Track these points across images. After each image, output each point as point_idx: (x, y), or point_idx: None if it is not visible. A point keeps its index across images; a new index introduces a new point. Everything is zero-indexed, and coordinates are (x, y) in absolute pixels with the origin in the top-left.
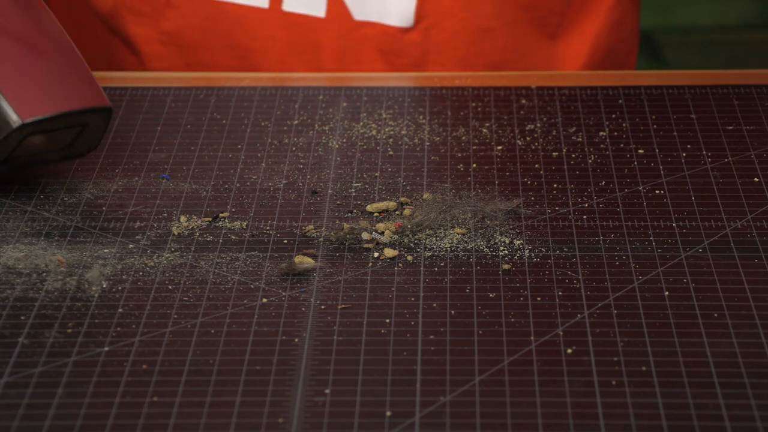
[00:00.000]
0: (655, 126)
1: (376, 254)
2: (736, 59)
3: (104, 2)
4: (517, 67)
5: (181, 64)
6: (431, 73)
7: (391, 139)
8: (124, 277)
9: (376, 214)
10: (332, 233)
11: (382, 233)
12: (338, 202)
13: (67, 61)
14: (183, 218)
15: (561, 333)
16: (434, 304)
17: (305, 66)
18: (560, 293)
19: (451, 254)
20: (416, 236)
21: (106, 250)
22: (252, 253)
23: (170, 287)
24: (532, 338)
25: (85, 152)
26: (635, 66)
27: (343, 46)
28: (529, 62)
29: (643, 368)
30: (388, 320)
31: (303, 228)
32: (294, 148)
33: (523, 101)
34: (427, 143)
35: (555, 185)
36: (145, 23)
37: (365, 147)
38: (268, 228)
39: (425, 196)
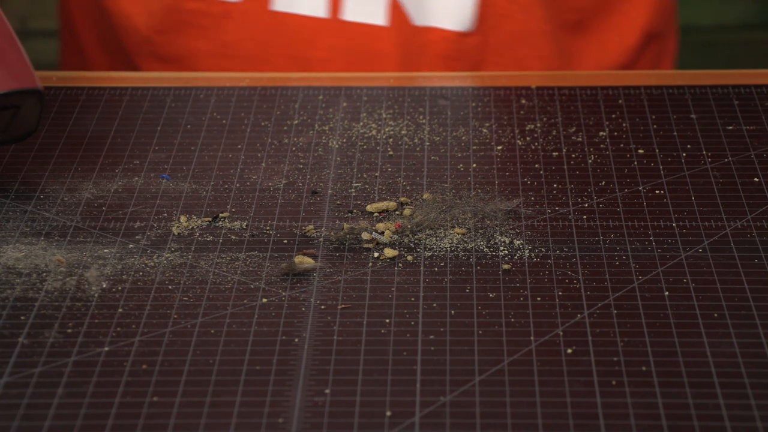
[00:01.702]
0: (655, 126)
1: (376, 254)
2: (736, 59)
3: (140, 22)
4: (571, 67)
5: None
6: (431, 73)
7: (391, 139)
8: (124, 277)
9: (376, 214)
10: (332, 233)
11: (382, 233)
12: (338, 202)
13: None
14: (183, 218)
15: (561, 333)
16: (434, 304)
17: None
18: (560, 293)
19: (451, 254)
20: (416, 236)
21: (106, 250)
22: (252, 253)
23: (170, 287)
24: (532, 338)
25: (22, 136)
26: (676, 47)
27: (404, 53)
28: (580, 63)
29: (643, 368)
30: (388, 320)
31: (303, 228)
32: (294, 148)
33: (523, 101)
34: (427, 143)
35: (555, 185)
36: (205, 36)
37: (365, 147)
38: (268, 228)
39: (425, 196)
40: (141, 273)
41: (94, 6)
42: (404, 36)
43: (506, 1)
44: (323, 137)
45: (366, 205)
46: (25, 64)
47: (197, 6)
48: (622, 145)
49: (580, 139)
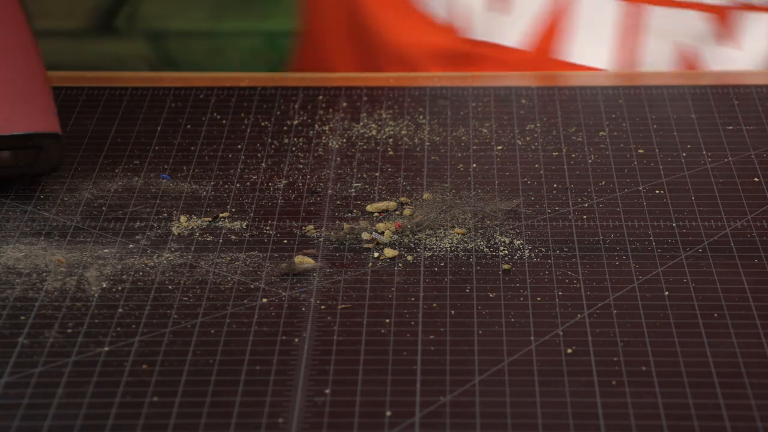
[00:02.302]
0: (655, 126)
1: (376, 254)
2: None
3: None
4: None
5: None
6: (431, 73)
7: (391, 139)
8: (124, 277)
9: (376, 214)
10: (332, 233)
11: (382, 233)
12: (338, 202)
13: (23, 82)
14: (183, 218)
15: (561, 333)
16: (434, 304)
17: None
18: (560, 293)
19: (451, 254)
20: (416, 236)
21: (106, 250)
22: (252, 253)
23: (170, 287)
24: (532, 338)
25: (47, 171)
26: None
27: None
28: None
29: (643, 368)
30: (388, 320)
31: (303, 228)
32: (294, 148)
33: (523, 101)
34: (427, 143)
35: (555, 185)
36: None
37: (365, 147)
38: (268, 228)
39: (425, 196)
40: (141, 273)
41: (356, 32)
42: None
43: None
44: (323, 137)
45: (366, 205)
46: (49, 107)
47: (477, 50)
48: (622, 145)
49: (580, 139)
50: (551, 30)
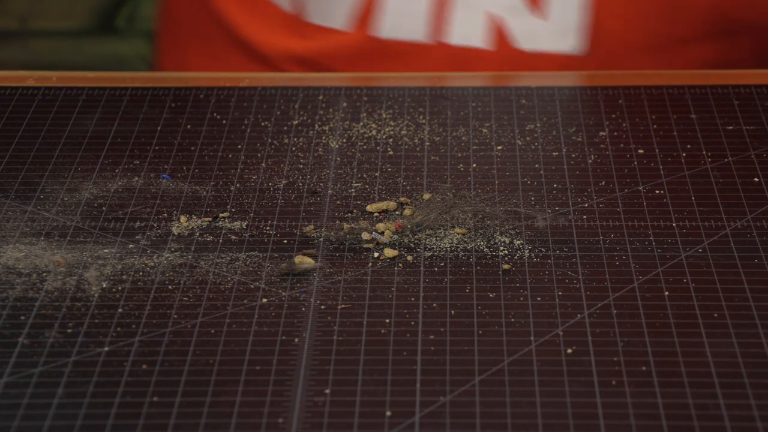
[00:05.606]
0: (655, 126)
1: (376, 254)
2: None
3: None
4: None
5: None
6: (431, 73)
7: (391, 139)
8: (124, 277)
9: (376, 214)
10: (332, 233)
11: (382, 233)
12: (338, 202)
13: None
14: (183, 218)
15: (561, 333)
16: (434, 304)
17: None
18: (560, 293)
19: (451, 254)
20: (416, 236)
21: (106, 250)
22: (252, 253)
23: (170, 287)
24: (532, 338)
25: None
26: None
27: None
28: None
29: (643, 368)
30: (388, 320)
31: (303, 228)
32: (294, 148)
33: (523, 101)
34: (427, 143)
35: (555, 185)
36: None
37: (365, 147)
38: (268, 228)
39: (425, 196)
40: (141, 273)
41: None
42: (508, 59)
43: (616, 18)
44: (323, 137)
45: (366, 205)
46: None
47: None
48: (622, 145)
49: (580, 139)
50: (368, 6)
